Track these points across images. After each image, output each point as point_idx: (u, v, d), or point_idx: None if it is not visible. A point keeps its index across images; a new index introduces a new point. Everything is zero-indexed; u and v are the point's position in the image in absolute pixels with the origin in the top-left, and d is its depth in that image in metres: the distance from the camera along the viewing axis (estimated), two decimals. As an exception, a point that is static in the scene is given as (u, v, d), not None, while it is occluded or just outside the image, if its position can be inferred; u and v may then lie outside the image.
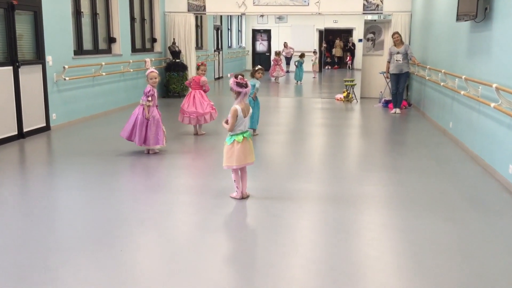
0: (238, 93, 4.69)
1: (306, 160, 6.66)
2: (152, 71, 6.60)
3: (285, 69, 20.22)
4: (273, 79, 19.07)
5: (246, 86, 4.69)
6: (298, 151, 7.24)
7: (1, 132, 7.22)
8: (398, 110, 10.70)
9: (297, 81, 18.62)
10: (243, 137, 4.71)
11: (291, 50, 21.51)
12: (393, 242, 3.92)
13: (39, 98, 8.09)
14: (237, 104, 4.69)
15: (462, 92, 6.93)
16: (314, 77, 20.36)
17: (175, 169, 6.17)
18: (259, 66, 8.09)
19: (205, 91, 8.03)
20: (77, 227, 4.20)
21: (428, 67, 9.59)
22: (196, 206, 4.76)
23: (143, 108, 6.58)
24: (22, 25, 7.73)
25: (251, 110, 4.86)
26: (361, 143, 7.95)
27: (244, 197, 4.88)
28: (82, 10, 9.51)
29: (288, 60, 21.46)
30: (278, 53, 19.65)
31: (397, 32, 10.71)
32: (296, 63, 18.81)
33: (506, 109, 5.32)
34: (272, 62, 19.69)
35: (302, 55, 19.04)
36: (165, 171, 6.08)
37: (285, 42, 21.85)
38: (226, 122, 4.73)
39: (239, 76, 4.75)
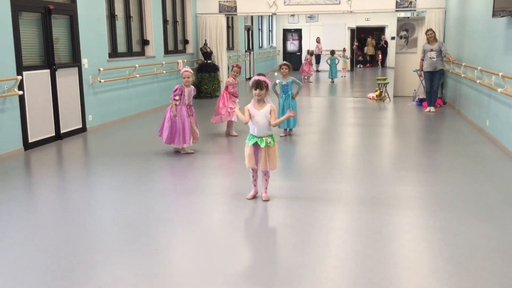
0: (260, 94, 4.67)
1: (338, 160, 6.62)
2: (186, 70, 6.68)
3: (315, 68, 20.12)
4: (302, 77, 19.02)
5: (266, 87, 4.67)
6: (330, 151, 7.20)
7: (40, 134, 7.43)
8: (432, 109, 10.51)
9: (331, 79, 18.50)
10: (255, 141, 4.70)
11: (321, 48, 21.36)
12: (430, 244, 3.86)
13: (76, 100, 8.28)
14: (251, 104, 4.72)
15: (499, 90, 6.76)
16: (343, 76, 20.19)
17: (207, 170, 6.22)
18: (284, 62, 8.03)
19: (232, 94, 8.00)
20: (113, 226, 4.28)
21: (463, 64, 9.39)
22: (228, 207, 4.79)
23: (171, 106, 6.66)
24: (59, 29, 7.93)
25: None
26: (394, 143, 7.85)
27: (258, 197, 4.87)
28: (116, 14, 9.69)
29: (318, 58, 21.31)
30: (311, 53, 19.57)
31: (431, 29, 10.52)
32: (329, 61, 18.71)
33: (546, 106, 5.17)
34: (304, 62, 19.63)
35: (332, 52, 18.91)
36: (197, 172, 6.13)
37: (317, 37, 21.68)
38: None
39: (261, 77, 4.75)
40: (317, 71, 20.35)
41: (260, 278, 3.31)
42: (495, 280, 3.25)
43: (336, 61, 18.72)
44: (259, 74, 4.81)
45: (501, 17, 6.87)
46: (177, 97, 6.65)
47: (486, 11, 7.85)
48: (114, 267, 3.47)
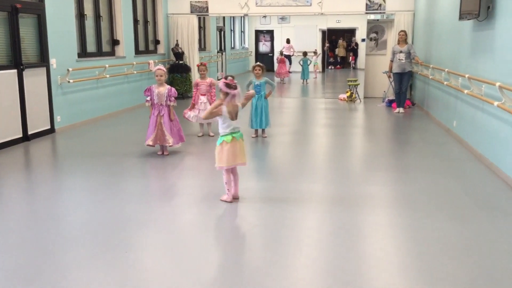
0: (226, 94, 4.69)
1: (310, 160, 6.67)
2: (159, 68, 6.61)
3: (288, 69, 20.24)
4: (278, 79, 19.11)
5: (234, 88, 4.67)
6: (302, 151, 7.25)
7: (6, 135, 7.26)
8: (401, 110, 10.70)
9: (304, 80, 18.62)
10: (232, 137, 4.70)
11: (291, 48, 21.47)
12: (399, 242, 3.93)
13: (44, 100, 8.13)
14: (224, 104, 4.70)
15: (466, 91, 6.92)
16: (315, 77, 20.37)
17: (179, 170, 6.19)
18: (258, 63, 8.03)
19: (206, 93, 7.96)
20: (83, 229, 4.22)
21: (431, 66, 9.58)
22: (200, 208, 4.77)
23: (168, 109, 6.64)
24: (26, 28, 7.77)
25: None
26: (365, 143, 7.95)
27: (235, 199, 4.85)
28: (85, 13, 9.55)
29: (289, 59, 21.42)
30: (281, 53, 19.70)
31: (404, 31, 10.72)
32: (301, 62, 18.84)
33: (510, 107, 5.32)
34: (277, 63, 19.72)
35: (305, 54, 19.05)
36: (169, 173, 6.09)
37: (287, 39, 21.83)
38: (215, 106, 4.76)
39: (229, 77, 4.74)
40: (289, 72, 20.48)
41: (232, 279, 3.31)
42: (462, 277, 3.33)
43: (308, 62, 18.87)
44: (226, 77, 4.79)
45: (468, 20, 7.04)
46: (148, 98, 6.61)
47: (453, 14, 8.03)
48: (84, 270, 3.42)
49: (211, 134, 8.08)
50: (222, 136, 4.75)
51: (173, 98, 6.66)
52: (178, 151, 7.01)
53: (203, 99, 7.88)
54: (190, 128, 8.63)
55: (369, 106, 11.90)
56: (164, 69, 6.70)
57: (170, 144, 6.67)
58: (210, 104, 7.81)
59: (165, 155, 6.76)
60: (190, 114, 7.86)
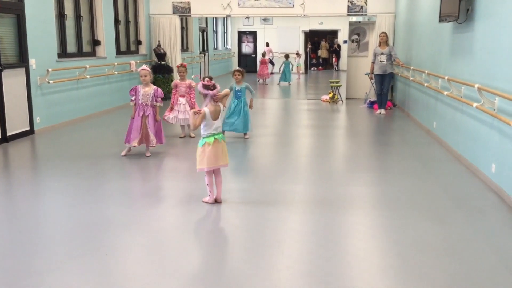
0: (205, 95, 4.69)
1: (292, 161, 6.68)
2: (143, 69, 6.59)
3: (269, 71, 20.28)
4: (260, 81, 19.14)
5: (212, 88, 4.65)
6: (284, 152, 7.26)
7: (-16, 136, 7.14)
8: (383, 111, 10.79)
9: (287, 82, 18.65)
10: (215, 139, 4.68)
11: (271, 52, 21.51)
12: (379, 242, 3.96)
13: (23, 101, 8.01)
14: (205, 106, 4.69)
15: (445, 93, 7.00)
16: (298, 79, 20.44)
17: (159, 172, 6.15)
18: (237, 68, 8.01)
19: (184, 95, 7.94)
20: (62, 231, 4.17)
21: (412, 68, 9.68)
22: (181, 209, 4.75)
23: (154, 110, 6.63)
24: (5, 28, 7.66)
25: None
26: (347, 144, 8.00)
27: (217, 202, 4.83)
28: (65, 13, 9.44)
29: (271, 61, 21.47)
30: (263, 54, 19.73)
31: (384, 32, 10.81)
32: (282, 66, 18.87)
33: (488, 109, 5.39)
34: (260, 64, 19.74)
35: (286, 56, 19.09)
36: (149, 174, 6.06)
37: (267, 42, 21.87)
38: (195, 113, 4.71)
39: (206, 79, 4.72)
40: (271, 73, 20.53)
41: (213, 280, 3.30)
42: (441, 276, 3.36)
43: (290, 66, 18.85)
44: (203, 78, 4.78)
45: (447, 22, 7.12)
46: (133, 97, 6.57)
47: (433, 16, 8.12)
48: (63, 273, 3.38)
49: (192, 135, 8.06)
50: (204, 137, 4.71)
51: (159, 99, 6.64)
52: (159, 152, 6.97)
53: (182, 100, 7.85)
54: (171, 129, 8.59)
55: (351, 107, 11.97)
56: (148, 69, 6.66)
57: (153, 145, 6.64)
58: (189, 105, 7.80)
59: (147, 156, 6.71)
60: (170, 116, 7.82)
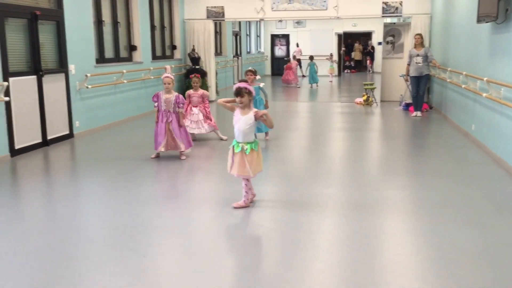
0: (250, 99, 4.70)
1: (325, 164, 6.65)
2: (166, 76, 6.71)
3: (299, 73, 20.18)
4: (296, 84, 19.10)
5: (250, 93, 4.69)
6: (317, 155, 7.23)
7: (26, 140, 7.37)
8: (419, 113, 10.61)
9: (312, 84, 18.55)
10: (233, 145, 4.71)
11: (300, 52, 21.43)
12: (416, 247, 3.89)
13: (63, 106, 8.24)
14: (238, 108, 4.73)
15: (484, 94, 6.85)
16: (330, 81, 20.31)
17: (195, 175, 6.22)
18: (249, 68, 7.94)
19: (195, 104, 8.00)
20: (100, 233, 4.27)
21: (449, 69, 9.50)
22: (215, 212, 4.78)
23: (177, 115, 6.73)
24: (45, 35, 7.90)
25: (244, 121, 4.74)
26: (382, 147, 7.90)
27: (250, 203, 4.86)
28: (103, 19, 9.67)
29: (300, 63, 21.37)
30: (294, 57, 19.68)
31: (419, 34, 10.64)
32: (308, 67, 18.79)
33: (529, 111, 5.25)
34: (284, 69, 19.69)
35: (311, 58, 18.96)
36: (185, 177, 6.13)
37: (297, 43, 21.79)
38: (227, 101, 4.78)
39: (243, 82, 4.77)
40: (303, 76, 20.44)
41: (247, 283, 3.32)
42: (480, 283, 3.29)
43: (316, 67, 18.71)
44: (241, 81, 4.80)
45: (486, 22, 6.97)
46: (155, 104, 6.70)
47: (471, 16, 7.96)
48: (101, 274, 3.46)
49: (224, 137, 8.11)
50: (254, 142, 4.72)
51: (181, 105, 6.75)
52: (191, 155, 7.05)
53: (195, 110, 7.93)
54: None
55: (386, 109, 11.83)
56: (172, 77, 6.80)
57: (182, 150, 6.74)
58: (203, 115, 7.86)
59: (182, 159, 6.81)
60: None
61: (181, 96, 6.81)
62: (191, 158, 6.95)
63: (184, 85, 12.84)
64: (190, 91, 8.04)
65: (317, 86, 18.51)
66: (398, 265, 3.56)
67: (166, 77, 6.71)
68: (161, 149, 6.72)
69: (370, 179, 5.93)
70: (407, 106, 11.46)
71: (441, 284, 3.26)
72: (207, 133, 8.08)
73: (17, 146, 7.16)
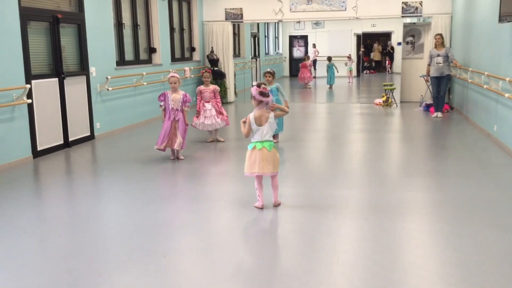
0: (260, 102, 4.70)
1: (345, 166, 6.62)
2: (172, 76, 6.76)
3: (313, 73, 20.12)
4: (309, 84, 19.06)
5: (268, 95, 4.69)
6: (336, 157, 7.20)
7: (48, 142, 7.49)
8: (439, 114, 10.49)
9: (331, 85, 18.46)
10: (262, 146, 4.69)
11: (316, 52, 21.36)
12: (437, 249, 3.85)
13: (84, 108, 8.35)
14: (253, 112, 4.73)
15: (507, 95, 6.74)
16: (349, 82, 20.19)
17: (213, 176, 6.24)
18: (268, 70, 7.89)
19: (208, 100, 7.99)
20: (121, 233, 4.31)
21: (470, 69, 9.38)
22: (235, 213, 4.79)
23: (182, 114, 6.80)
24: (67, 38, 8.01)
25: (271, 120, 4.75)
26: (402, 148, 7.83)
27: (275, 206, 4.84)
28: (123, 22, 9.77)
29: (314, 63, 21.29)
30: (308, 57, 19.62)
31: (440, 34, 10.52)
32: (327, 67, 18.70)
33: (554, 111, 5.15)
34: (302, 68, 19.63)
35: (329, 59, 18.87)
36: (204, 178, 6.15)
37: (313, 43, 21.73)
38: (243, 122, 4.80)
39: (262, 86, 4.74)
40: (314, 77, 20.36)
41: (266, 283, 3.32)
42: (503, 286, 3.23)
43: (334, 68, 18.61)
44: (259, 85, 4.79)
45: (508, 22, 6.86)
46: (161, 103, 6.75)
47: (492, 16, 7.85)
48: (122, 274, 3.49)
49: (221, 139, 8.14)
50: (253, 142, 4.78)
51: (187, 104, 6.79)
52: (206, 156, 7.07)
53: (208, 106, 7.90)
54: (199, 134, 8.60)
55: (406, 110, 11.72)
56: (178, 76, 6.85)
57: (180, 148, 6.82)
58: (216, 110, 7.86)
59: (180, 159, 6.86)
60: (197, 122, 7.92)
61: (188, 95, 6.88)
62: (205, 159, 6.98)
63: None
64: (201, 87, 8.00)
65: (331, 87, 18.39)
66: (420, 268, 3.52)
67: (172, 76, 6.76)
68: (161, 147, 6.80)
69: (391, 180, 5.89)
70: (427, 107, 11.34)
71: (463, 287, 3.21)
72: (220, 128, 8.07)
73: (40, 147, 7.28)
